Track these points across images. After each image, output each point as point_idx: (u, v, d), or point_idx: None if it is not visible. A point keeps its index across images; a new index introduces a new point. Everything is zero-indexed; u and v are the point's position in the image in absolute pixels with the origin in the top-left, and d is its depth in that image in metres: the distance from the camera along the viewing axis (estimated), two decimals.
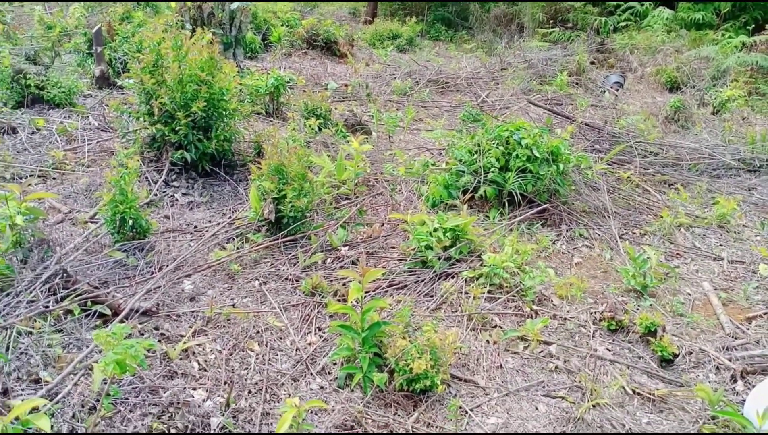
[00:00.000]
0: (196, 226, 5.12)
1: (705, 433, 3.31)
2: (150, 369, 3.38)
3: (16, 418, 2.41)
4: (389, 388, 3.48)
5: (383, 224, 5.28)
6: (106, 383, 2.83)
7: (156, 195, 5.54)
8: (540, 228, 5.48)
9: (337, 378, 3.56)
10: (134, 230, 4.61)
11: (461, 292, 4.38)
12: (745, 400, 3.43)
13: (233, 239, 4.86)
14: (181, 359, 3.54)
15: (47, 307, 3.58)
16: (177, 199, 5.59)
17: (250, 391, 3.42)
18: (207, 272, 4.44)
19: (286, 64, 11.13)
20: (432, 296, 4.39)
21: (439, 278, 4.56)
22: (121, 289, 4.06)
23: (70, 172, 5.80)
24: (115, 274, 4.24)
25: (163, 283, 4.13)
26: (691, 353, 3.98)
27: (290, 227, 4.74)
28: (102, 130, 6.80)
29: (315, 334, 3.96)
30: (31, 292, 3.60)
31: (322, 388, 3.51)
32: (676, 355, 3.89)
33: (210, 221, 5.25)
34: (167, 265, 4.33)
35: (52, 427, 2.77)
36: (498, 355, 3.89)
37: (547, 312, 4.30)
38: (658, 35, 13.25)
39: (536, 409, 3.49)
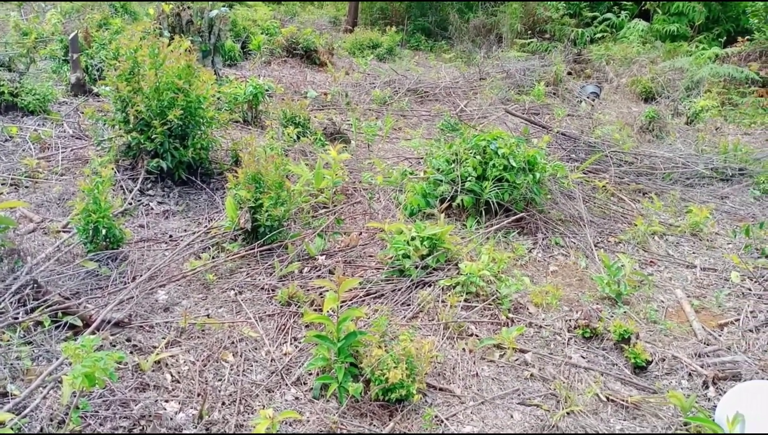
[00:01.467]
0: (171, 236, 5.07)
1: (679, 434, 3.34)
2: (121, 381, 3.33)
3: None
4: (365, 398, 3.46)
5: (361, 233, 5.27)
6: (75, 396, 2.78)
7: (131, 204, 5.48)
8: (516, 236, 5.50)
9: (312, 388, 3.54)
10: (107, 240, 4.55)
11: (438, 301, 4.38)
12: (716, 406, 3.46)
13: (209, 248, 4.81)
14: (153, 371, 3.49)
15: (17, 318, 3.51)
16: (152, 208, 5.53)
17: (223, 403, 3.37)
18: (182, 282, 4.39)
19: (265, 72, 11.10)
20: (409, 305, 4.38)
21: (416, 287, 4.56)
22: (93, 299, 4.00)
23: (43, 181, 5.71)
24: (87, 285, 4.17)
25: (136, 294, 4.07)
26: (664, 360, 4.02)
27: (267, 236, 4.71)
28: (77, 138, 6.71)
29: (291, 344, 3.93)
30: (0, 303, 3.53)
31: (297, 398, 3.48)
32: (649, 362, 3.92)
33: (185, 230, 5.20)
34: (141, 275, 4.28)
35: None
36: (474, 363, 3.89)
37: (523, 320, 4.32)
38: (634, 46, 13.46)
39: (511, 417, 3.49)
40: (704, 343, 4.24)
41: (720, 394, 3.70)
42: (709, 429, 3.21)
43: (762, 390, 3.34)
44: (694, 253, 5.65)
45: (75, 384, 2.39)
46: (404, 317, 4.24)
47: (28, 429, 2.82)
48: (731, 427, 3.06)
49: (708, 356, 4.07)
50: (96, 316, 3.68)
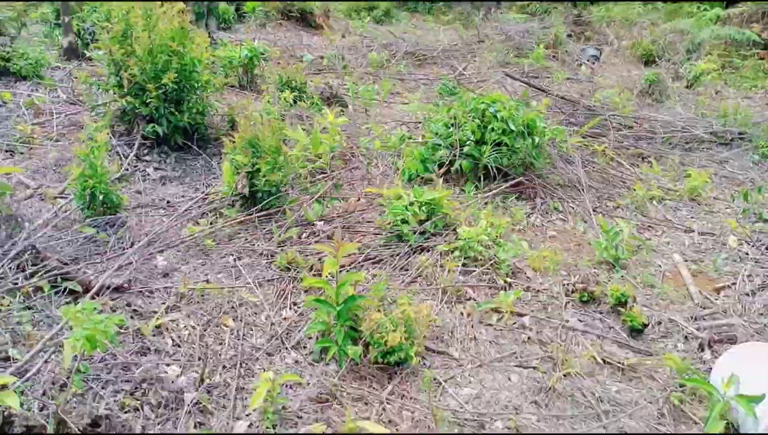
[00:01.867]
0: (168, 202, 5.06)
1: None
2: (122, 345, 3.36)
3: None
4: (364, 361, 3.50)
5: (359, 199, 5.27)
6: (76, 360, 2.80)
7: (127, 169, 5.45)
8: (515, 201, 5.50)
9: (312, 352, 3.57)
10: (105, 205, 4.54)
11: (436, 266, 4.40)
12: (711, 369, 3.51)
13: (207, 214, 4.81)
14: (154, 335, 3.52)
15: (16, 283, 3.52)
16: (149, 174, 5.51)
17: (224, 367, 3.41)
18: (180, 248, 4.40)
19: (260, 35, 10.93)
20: (407, 270, 4.40)
21: (414, 252, 4.57)
22: (91, 265, 4.00)
23: (38, 147, 5.67)
24: (86, 250, 4.18)
25: (135, 259, 4.08)
26: (661, 323, 4.06)
27: (265, 202, 4.70)
28: (71, 104, 6.64)
29: (290, 308, 3.95)
30: None
31: (297, 362, 3.52)
32: (645, 325, 3.96)
33: (183, 196, 5.18)
34: (139, 241, 4.28)
35: (21, 405, 2.73)
36: (472, 327, 3.92)
37: (521, 284, 4.34)
38: (635, 8, 13.26)
39: (509, 379, 3.54)
40: (700, 307, 4.28)
41: (715, 357, 3.74)
42: (704, 390, 3.25)
43: (757, 352, 3.38)
44: (692, 217, 5.67)
45: (76, 347, 2.40)
46: (403, 282, 4.26)
47: (31, 392, 2.85)
48: (726, 389, 3.10)
49: (704, 319, 4.12)
50: (95, 282, 3.69)
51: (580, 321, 4.06)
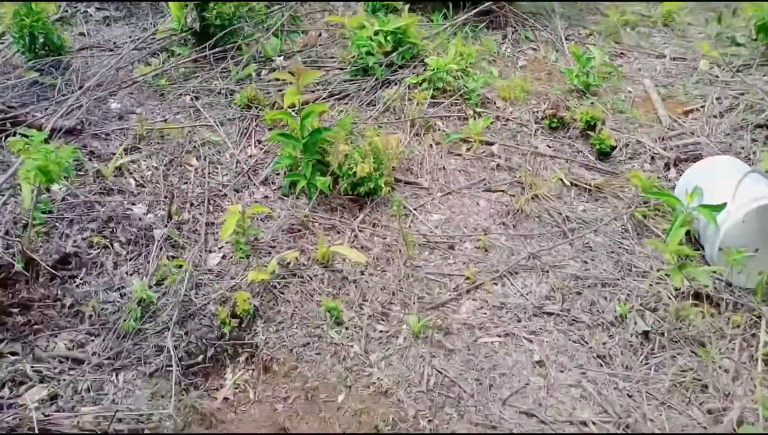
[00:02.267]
0: (115, 43, 4.74)
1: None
2: (83, 186, 3.28)
3: None
4: (334, 194, 3.50)
5: (320, 34, 5.00)
6: (33, 193, 2.72)
7: (67, 11, 5.05)
8: (485, 31, 5.29)
9: (281, 187, 3.55)
10: (47, 48, 4.25)
11: (404, 99, 4.29)
12: (676, 186, 3.60)
13: (158, 54, 4.53)
14: (115, 177, 3.44)
15: None
16: (91, 15, 5.12)
17: (192, 204, 3.38)
18: (133, 90, 4.19)
19: None
20: (374, 105, 4.28)
21: (381, 86, 4.42)
22: (40, 109, 3.80)
23: None
24: (32, 95, 3.96)
25: (86, 102, 3.88)
26: (628, 145, 4.09)
27: (218, 37, 4.42)
28: None
29: (255, 146, 3.87)
30: None
31: (266, 197, 3.50)
32: (613, 148, 3.99)
33: (130, 37, 4.85)
34: (88, 84, 4.04)
35: None
36: (441, 157, 3.91)
37: (491, 114, 4.28)
38: None
39: (477, 204, 3.60)
40: (668, 129, 4.30)
41: (681, 175, 3.82)
42: (669, 202, 3.35)
43: (722, 164, 3.46)
44: (665, 43, 5.54)
45: (30, 179, 2.32)
46: (370, 117, 4.16)
47: None
48: (690, 200, 3.19)
49: (671, 140, 4.16)
50: (47, 124, 3.52)
51: (549, 147, 4.07)
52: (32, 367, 2.45)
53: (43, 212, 3.01)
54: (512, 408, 2.50)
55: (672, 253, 2.89)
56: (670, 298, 2.97)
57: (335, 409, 2.45)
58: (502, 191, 3.65)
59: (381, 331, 2.80)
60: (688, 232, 3.33)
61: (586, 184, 3.75)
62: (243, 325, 2.78)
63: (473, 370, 2.64)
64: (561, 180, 3.76)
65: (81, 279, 2.83)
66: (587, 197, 3.71)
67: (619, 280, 3.12)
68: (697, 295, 2.98)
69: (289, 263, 3.05)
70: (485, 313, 2.92)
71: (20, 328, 2.58)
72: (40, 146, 2.34)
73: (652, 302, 2.99)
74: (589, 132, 4.08)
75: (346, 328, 2.80)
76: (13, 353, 2.50)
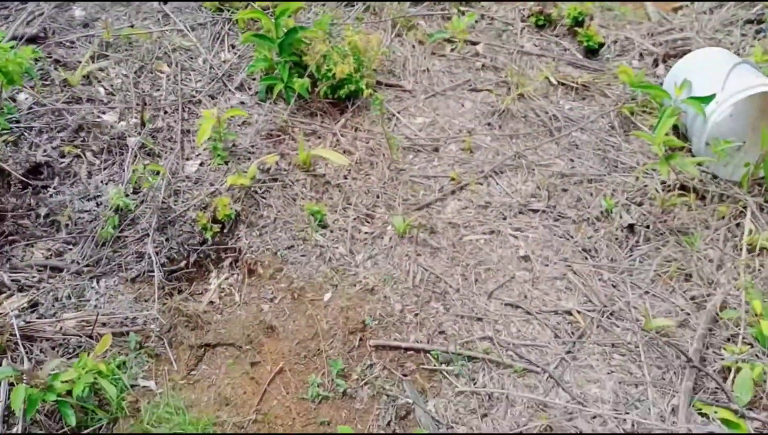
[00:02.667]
0: None
1: None
2: (50, 96, 3.15)
3: None
4: (313, 98, 3.40)
5: None
6: None
7: None
8: None
9: (257, 92, 3.43)
10: None
11: None
12: (664, 82, 3.53)
13: None
14: (83, 85, 3.30)
15: None
16: None
17: (165, 111, 3.27)
18: None
19: None
20: (354, 4, 4.10)
21: None
22: None
23: None
24: None
25: (47, 8, 3.67)
26: (617, 42, 3.99)
27: None
28: None
29: (228, 51, 3.71)
30: None
31: (243, 103, 3.39)
32: (601, 45, 3.89)
33: None
34: None
35: None
36: (425, 58, 3.79)
37: (475, 12, 4.13)
38: None
39: (462, 106, 3.52)
40: (658, 25, 4.18)
41: (669, 72, 3.75)
42: (656, 95, 3.30)
43: (711, 56, 3.38)
44: None
45: None
46: (349, 17, 3.99)
47: None
48: (679, 93, 3.13)
49: (660, 36, 4.05)
50: (6, 32, 3.34)
51: (536, 45, 3.95)
52: (10, 276, 2.42)
53: (10, 121, 2.90)
54: (498, 301, 2.52)
55: (659, 144, 2.86)
56: (657, 192, 2.96)
57: (322, 307, 2.46)
58: (488, 91, 3.57)
59: (366, 233, 2.78)
60: (676, 128, 3.30)
61: (573, 82, 3.67)
62: (225, 231, 2.75)
63: (459, 266, 2.65)
64: (548, 78, 3.68)
65: (54, 189, 2.76)
66: (574, 96, 3.63)
67: (605, 175, 3.10)
68: (683, 188, 2.97)
69: (269, 168, 2.99)
70: (470, 212, 2.90)
71: None
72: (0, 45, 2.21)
73: (638, 196, 2.99)
74: (577, 29, 3.95)
75: (331, 231, 2.78)
76: None
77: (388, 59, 3.73)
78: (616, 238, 2.81)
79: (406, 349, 2.33)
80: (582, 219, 2.89)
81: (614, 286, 2.62)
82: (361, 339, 2.35)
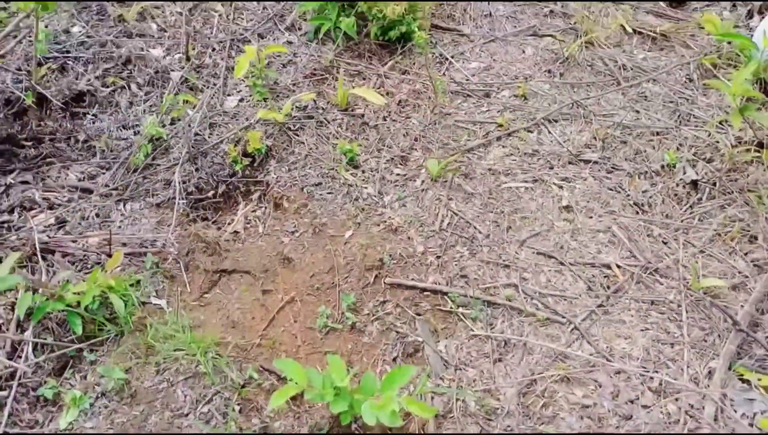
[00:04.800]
0: None
1: None
2: (101, 28, 3.34)
3: None
4: (363, 39, 3.41)
5: None
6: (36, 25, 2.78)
7: None
8: None
9: (307, 32, 3.49)
10: None
11: None
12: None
13: None
14: (137, 21, 3.47)
15: None
16: None
17: (213, 48, 3.39)
18: None
19: None
20: None
21: None
22: None
23: None
24: None
25: None
26: None
27: None
28: None
29: None
30: None
31: (290, 43, 3.46)
32: None
33: None
34: None
35: None
36: (488, 3, 3.71)
37: None
38: None
39: (523, 52, 3.42)
40: None
41: None
42: (742, 46, 3.07)
43: None
44: None
45: (19, 4, 2.36)
46: None
47: (6, 66, 2.91)
48: (766, 44, 2.91)
49: None
50: None
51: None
52: (42, 195, 2.60)
53: (60, 51, 3.10)
54: (530, 249, 2.45)
55: (735, 94, 2.66)
56: (729, 147, 2.77)
57: (342, 243, 2.48)
58: (552, 37, 3.45)
59: (398, 175, 2.78)
60: (762, 81, 3.07)
61: (652, 30, 3.48)
62: (255, 164, 2.82)
63: (492, 212, 2.59)
64: (622, 26, 3.51)
65: (94, 116, 2.93)
66: (650, 45, 3.45)
67: (672, 129, 2.93)
68: (760, 145, 2.77)
69: (306, 106, 3.04)
70: (514, 160, 2.83)
71: (32, 159, 2.73)
72: None
73: (708, 152, 2.81)
74: None
75: (362, 171, 2.79)
76: (24, 182, 2.65)
77: (448, 3, 3.68)
78: (675, 194, 2.66)
79: (423, 290, 2.31)
80: (638, 172, 2.75)
81: (664, 243, 2.48)
82: (377, 276, 2.35)
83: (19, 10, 2.43)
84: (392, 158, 2.85)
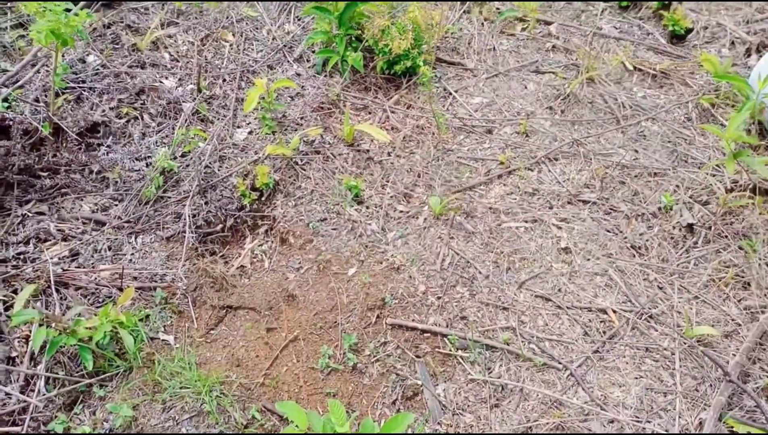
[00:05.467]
0: None
1: None
2: (116, 58, 3.36)
3: None
4: (369, 73, 3.43)
5: None
6: (52, 58, 2.81)
7: None
8: None
9: (315, 64, 3.50)
10: None
11: None
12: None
13: None
14: (150, 50, 3.49)
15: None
16: None
17: (224, 79, 3.41)
18: None
19: None
20: None
21: None
22: None
23: None
24: None
25: None
26: (707, 28, 3.74)
27: None
28: None
29: (293, 23, 3.81)
30: None
31: (299, 74, 3.48)
32: (689, 30, 3.67)
33: None
34: None
35: (9, 108, 2.85)
36: (492, 37, 3.72)
37: None
38: None
39: (525, 87, 3.43)
40: (757, 12, 3.88)
41: None
42: (738, 88, 3.08)
43: None
44: None
45: (41, 40, 2.38)
46: None
47: (23, 99, 2.94)
48: (762, 86, 2.91)
49: (757, 23, 3.76)
50: None
51: (616, 28, 3.78)
52: (56, 226, 2.62)
53: (75, 81, 3.13)
54: (528, 291, 2.46)
55: (729, 139, 2.67)
56: (725, 192, 2.77)
57: (345, 280, 2.50)
58: (553, 73, 3.46)
59: (401, 211, 2.79)
60: (760, 123, 3.08)
61: (651, 68, 3.49)
62: (263, 198, 2.84)
63: (492, 252, 2.60)
64: (623, 63, 3.52)
65: (108, 147, 2.94)
66: (650, 83, 3.46)
67: (669, 170, 2.94)
68: (754, 190, 2.77)
69: (313, 141, 3.05)
70: (515, 199, 2.84)
71: (48, 190, 2.75)
72: (55, 8, 2.37)
73: (704, 195, 2.81)
74: (663, 12, 3.75)
75: (366, 207, 2.80)
76: (40, 213, 2.67)
77: (453, 36, 3.70)
78: (672, 238, 2.67)
79: (423, 331, 2.32)
80: (636, 214, 2.76)
81: (660, 288, 2.48)
82: (378, 316, 2.37)
83: (37, 41, 2.45)
84: (396, 195, 2.86)
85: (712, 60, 3.30)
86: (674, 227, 2.69)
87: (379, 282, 2.47)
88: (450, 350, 2.28)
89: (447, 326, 2.34)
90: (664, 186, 2.87)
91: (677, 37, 3.70)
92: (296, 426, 1.91)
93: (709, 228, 2.67)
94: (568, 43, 3.67)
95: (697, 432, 1.99)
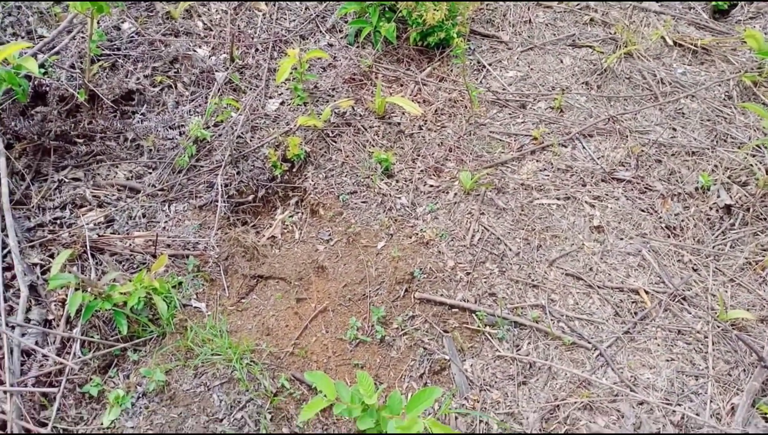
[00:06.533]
0: None
1: None
2: (150, 26, 3.34)
3: (5, 62, 2.45)
4: (402, 44, 3.36)
5: None
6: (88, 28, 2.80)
7: None
8: None
9: (347, 35, 3.44)
10: None
11: None
12: None
13: None
14: (184, 18, 3.46)
15: None
16: None
17: (257, 49, 3.37)
18: None
19: None
20: None
21: None
22: None
23: None
24: None
25: None
26: (752, 3, 3.58)
27: None
28: None
29: None
30: None
31: (331, 45, 3.42)
32: (734, 5, 3.52)
33: None
34: None
35: (45, 74, 2.84)
36: (528, 9, 3.61)
37: None
38: None
39: (561, 61, 3.33)
40: None
41: None
42: None
43: None
44: None
45: (76, 6, 2.36)
46: None
47: (59, 65, 2.93)
48: None
49: None
50: None
51: (656, 1, 3.64)
52: (92, 192, 2.63)
53: (111, 48, 3.12)
54: (559, 269, 2.42)
55: None
56: (763, 174, 2.67)
57: (374, 254, 2.48)
58: (590, 47, 3.35)
59: (431, 186, 2.75)
60: None
61: (692, 44, 3.36)
62: (294, 170, 2.82)
63: (523, 229, 2.55)
64: (663, 38, 3.40)
65: (142, 115, 2.94)
66: (690, 59, 3.33)
67: (708, 149, 2.84)
68: None
69: (344, 112, 3.01)
70: (547, 175, 2.78)
71: (84, 156, 2.76)
72: None
73: (743, 176, 2.72)
74: None
75: (396, 181, 2.77)
76: (76, 179, 2.69)
77: (488, 8, 3.60)
78: (708, 219, 2.59)
79: (451, 306, 2.30)
80: (672, 194, 2.68)
81: (695, 270, 2.42)
82: (407, 290, 2.35)
83: (73, 8, 2.44)
84: (426, 169, 2.81)
85: (756, 36, 3.15)
86: (711, 208, 2.61)
87: (407, 256, 2.44)
88: (478, 326, 2.25)
89: (475, 302, 2.31)
90: (701, 165, 2.77)
91: (720, 12, 3.56)
92: (324, 396, 1.91)
93: (748, 210, 2.59)
94: (607, 16, 3.55)
95: (728, 417, 1.95)
